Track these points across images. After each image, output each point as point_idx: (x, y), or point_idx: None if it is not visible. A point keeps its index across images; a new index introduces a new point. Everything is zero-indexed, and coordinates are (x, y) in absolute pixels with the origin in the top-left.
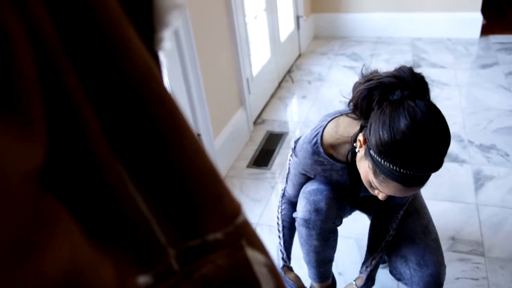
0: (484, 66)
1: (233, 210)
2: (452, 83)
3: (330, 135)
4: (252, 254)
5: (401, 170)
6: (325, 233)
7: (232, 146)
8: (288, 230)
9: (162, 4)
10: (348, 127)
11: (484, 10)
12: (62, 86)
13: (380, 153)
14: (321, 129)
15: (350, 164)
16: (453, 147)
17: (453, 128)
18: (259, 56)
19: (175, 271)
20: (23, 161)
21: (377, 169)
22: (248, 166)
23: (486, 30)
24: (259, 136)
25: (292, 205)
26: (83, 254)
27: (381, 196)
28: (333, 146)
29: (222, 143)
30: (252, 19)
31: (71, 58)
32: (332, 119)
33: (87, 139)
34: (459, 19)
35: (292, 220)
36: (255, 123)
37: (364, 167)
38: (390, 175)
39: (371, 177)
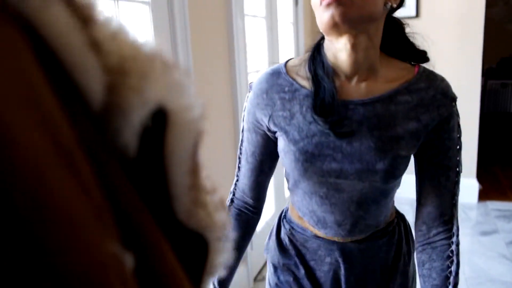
0: (485, 233)
1: None
2: None
3: (295, 59)
4: None
5: None
6: None
7: None
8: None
9: (214, 262)
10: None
11: (479, 175)
12: None
13: None
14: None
15: (315, 81)
16: None
17: None
18: (263, 212)
19: None
20: None
21: None
22: None
23: (483, 195)
24: None
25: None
26: None
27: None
28: (297, 71)
29: None
30: None
31: None
32: None
33: None
34: None
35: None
36: (255, 279)
37: None
38: None
39: None
